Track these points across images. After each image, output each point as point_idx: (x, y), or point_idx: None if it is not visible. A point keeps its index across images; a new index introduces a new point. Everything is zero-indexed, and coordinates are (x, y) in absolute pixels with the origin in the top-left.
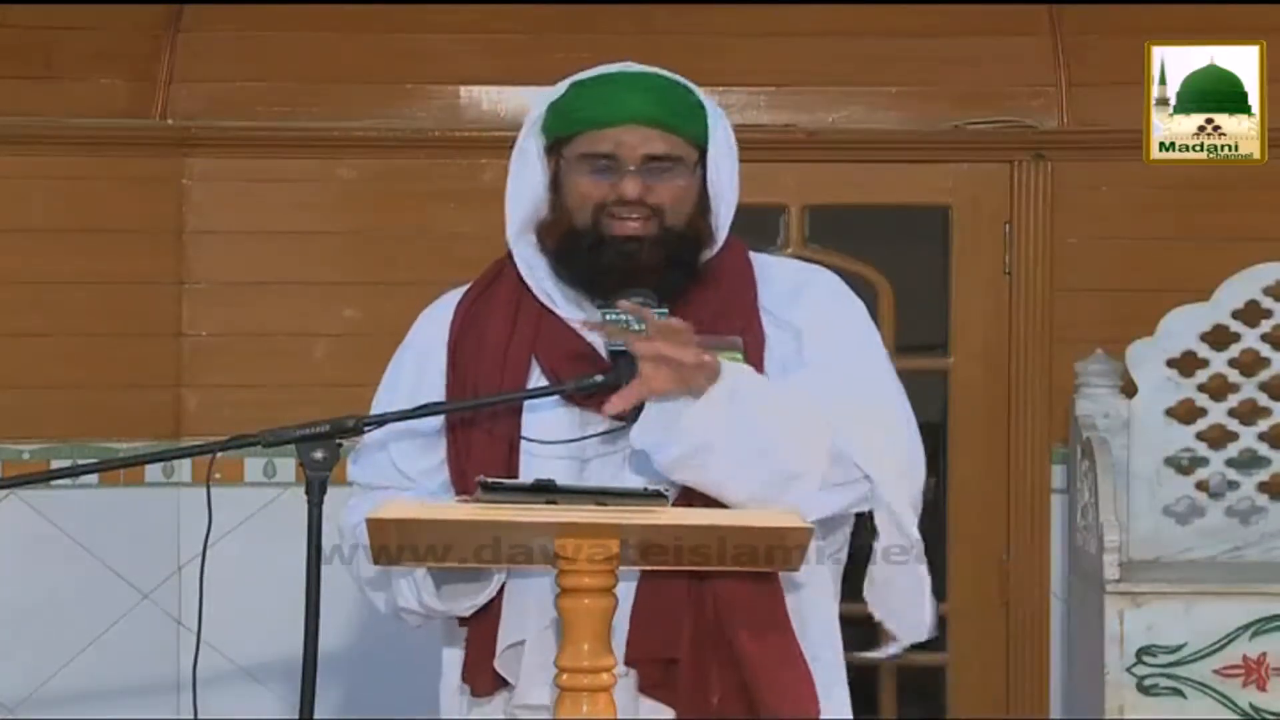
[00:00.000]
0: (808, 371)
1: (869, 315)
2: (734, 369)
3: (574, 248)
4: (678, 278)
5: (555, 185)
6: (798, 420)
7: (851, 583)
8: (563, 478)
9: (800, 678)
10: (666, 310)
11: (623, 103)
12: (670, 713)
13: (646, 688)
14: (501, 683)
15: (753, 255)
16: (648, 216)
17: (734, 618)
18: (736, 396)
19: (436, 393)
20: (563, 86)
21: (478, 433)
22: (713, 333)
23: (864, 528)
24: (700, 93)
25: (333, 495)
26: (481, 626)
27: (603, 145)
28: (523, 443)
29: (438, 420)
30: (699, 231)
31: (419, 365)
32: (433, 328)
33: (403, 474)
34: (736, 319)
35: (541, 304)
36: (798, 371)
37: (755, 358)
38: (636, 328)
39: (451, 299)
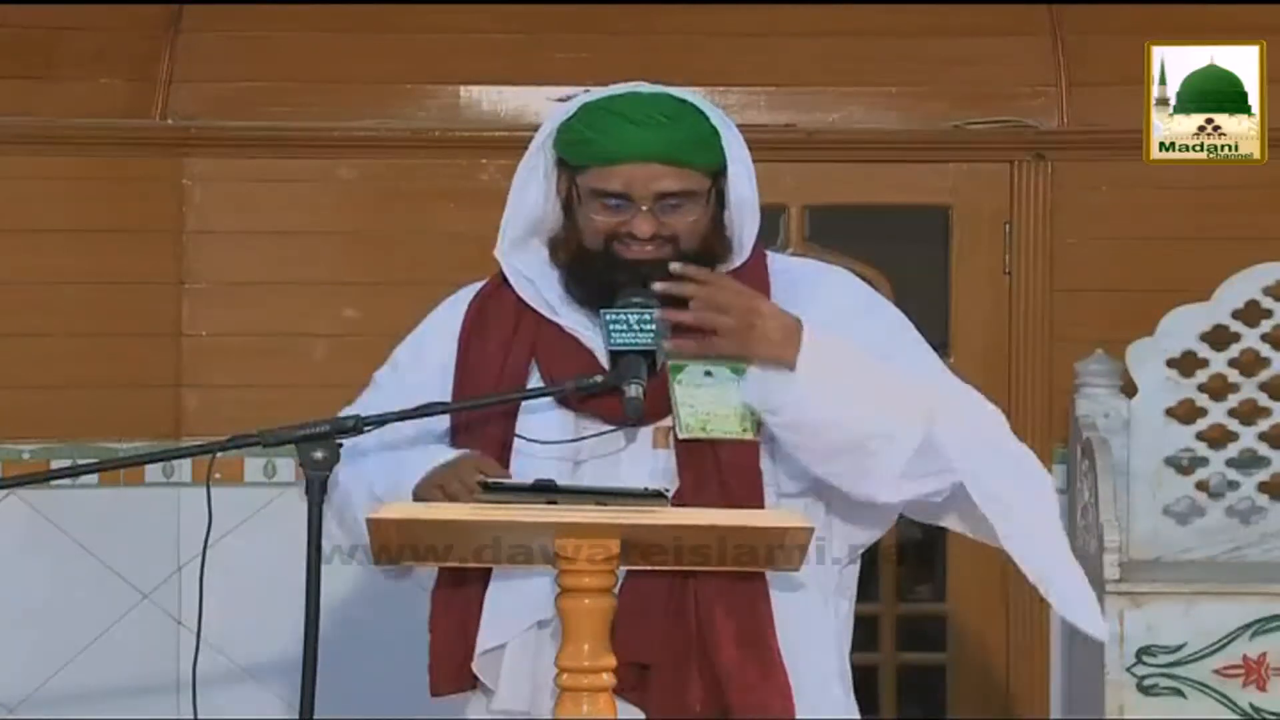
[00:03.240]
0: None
1: (889, 302)
2: (820, 344)
3: (586, 267)
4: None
5: (568, 204)
6: (889, 398)
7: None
8: (557, 479)
9: (777, 688)
10: None
11: (632, 138)
12: (641, 715)
13: (620, 690)
14: (466, 685)
15: (771, 256)
16: (661, 244)
17: (714, 625)
18: (830, 373)
19: (447, 383)
20: (572, 106)
21: (474, 433)
22: None
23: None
24: (714, 113)
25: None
26: (449, 624)
27: (613, 183)
28: (517, 443)
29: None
30: (714, 252)
31: (438, 350)
32: (452, 320)
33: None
34: None
35: (542, 313)
36: None
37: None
38: (639, 328)
39: (470, 291)
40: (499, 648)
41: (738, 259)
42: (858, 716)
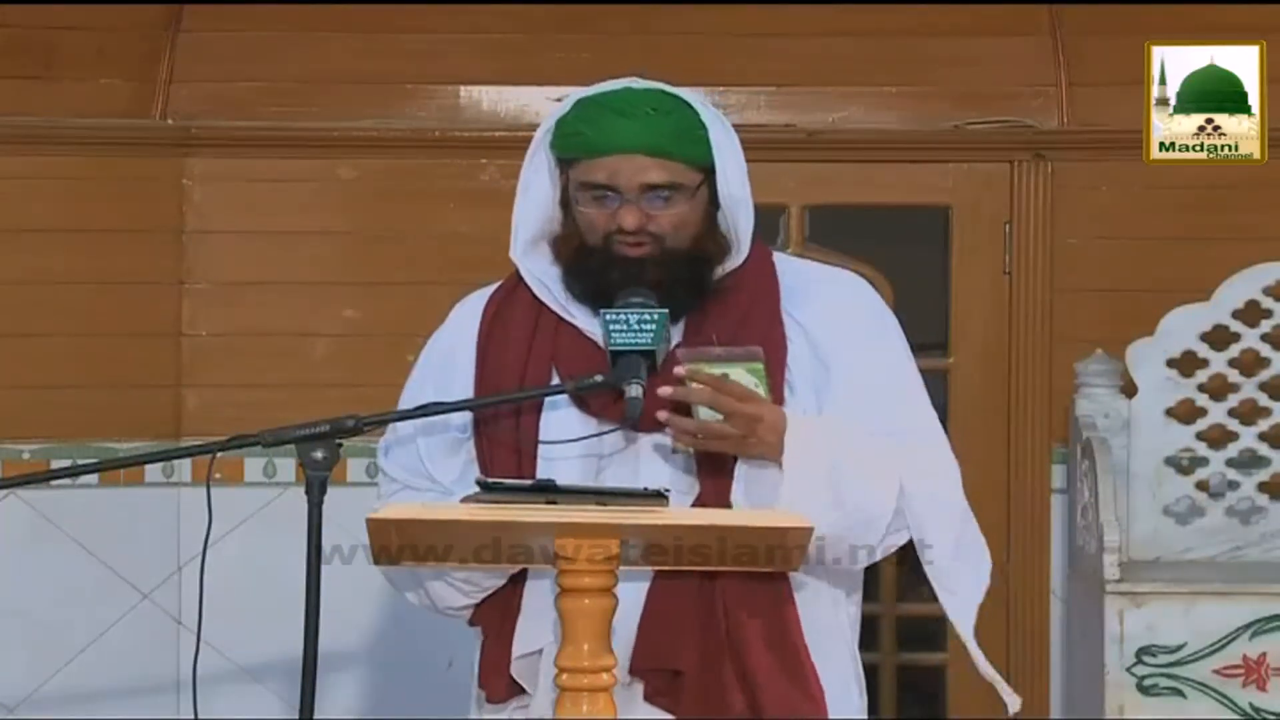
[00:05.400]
0: (840, 394)
1: (896, 322)
2: (800, 439)
3: (584, 264)
4: (683, 294)
5: (566, 201)
6: (873, 480)
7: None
8: (580, 477)
9: (808, 695)
10: (666, 311)
11: (619, 131)
12: None
13: (651, 696)
14: (517, 689)
15: (779, 258)
16: (649, 241)
17: (744, 631)
18: (817, 469)
19: (467, 388)
20: (568, 103)
21: (498, 435)
22: (734, 342)
23: None
24: (705, 110)
25: (333, 495)
26: (497, 630)
27: (599, 175)
28: (540, 445)
29: (463, 420)
30: (706, 250)
31: (450, 358)
32: (465, 323)
33: (436, 480)
34: (758, 327)
35: (559, 314)
36: (826, 390)
37: (776, 364)
38: (639, 328)
39: (483, 296)
40: (537, 652)
41: (736, 257)
42: (866, 718)
